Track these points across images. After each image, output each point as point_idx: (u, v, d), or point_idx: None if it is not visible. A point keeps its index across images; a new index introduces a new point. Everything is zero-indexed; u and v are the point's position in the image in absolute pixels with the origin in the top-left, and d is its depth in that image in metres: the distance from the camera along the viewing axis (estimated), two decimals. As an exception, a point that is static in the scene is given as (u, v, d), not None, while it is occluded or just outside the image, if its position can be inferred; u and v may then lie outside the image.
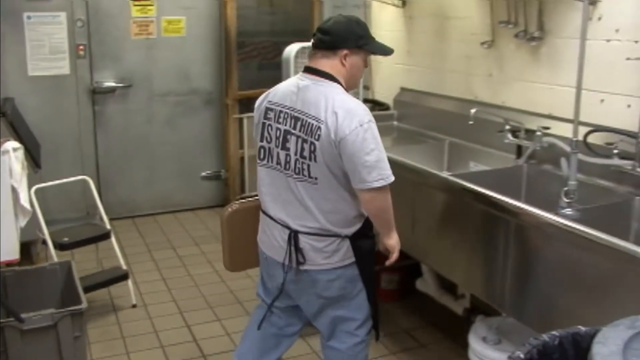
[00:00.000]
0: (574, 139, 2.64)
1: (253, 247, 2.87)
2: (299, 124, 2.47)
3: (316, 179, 2.47)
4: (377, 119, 3.82)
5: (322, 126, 2.40)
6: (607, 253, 2.18)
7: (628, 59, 2.81)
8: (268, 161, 2.60)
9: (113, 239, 4.24)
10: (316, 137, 2.41)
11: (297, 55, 4.23)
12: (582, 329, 1.85)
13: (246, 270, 4.69)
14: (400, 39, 4.60)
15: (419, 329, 3.94)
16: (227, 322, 4.03)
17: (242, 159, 5.92)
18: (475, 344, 3.06)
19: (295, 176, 2.51)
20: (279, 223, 2.61)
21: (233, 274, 4.67)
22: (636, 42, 2.86)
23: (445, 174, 3.22)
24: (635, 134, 2.80)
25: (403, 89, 4.64)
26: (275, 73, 4.56)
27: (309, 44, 4.25)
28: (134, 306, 4.20)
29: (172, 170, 6.06)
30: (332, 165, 2.44)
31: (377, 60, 4.93)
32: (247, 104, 5.74)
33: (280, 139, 2.53)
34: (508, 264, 2.68)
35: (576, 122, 2.63)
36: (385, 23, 4.79)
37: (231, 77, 5.66)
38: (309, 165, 2.46)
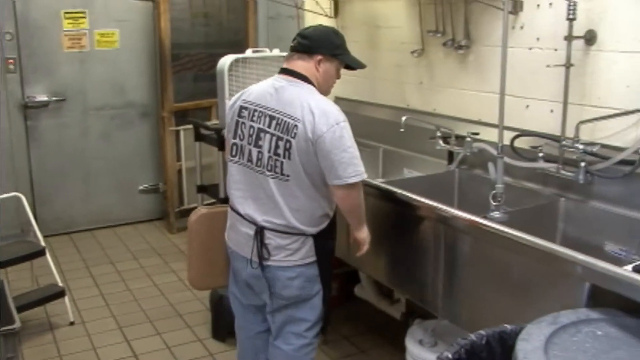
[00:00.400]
0: (500, 144, 2.73)
1: (221, 260, 2.95)
2: (274, 122, 2.56)
3: (288, 176, 2.55)
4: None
5: (299, 125, 2.49)
6: (531, 253, 2.26)
7: (548, 66, 2.91)
8: (239, 158, 2.68)
9: (48, 255, 4.17)
10: (292, 135, 2.50)
11: (231, 67, 4.25)
12: (508, 327, 1.92)
13: (186, 284, 4.71)
14: (334, 48, 4.65)
15: (359, 335, 3.98)
16: (168, 336, 4.01)
17: (179, 171, 5.89)
18: (412, 347, 3.12)
19: (267, 173, 2.59)
20: (246, 219, 2.68)
21: (172, 287, 4.68)
22: (556, 50, 2.97)
23: (378, 181, 3.28)
24: (558, 138, 2.90)
25: (338, 98, 4.69)
26: (211, 85, 4.57)
27: (244, 55, 4.35)
28: (71, 324, 4.14)
29: (109, 184, 5.99)
30: (306, 164, 2.52)
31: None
32: (183, 116, 5.74)
33: (254, 137, 2.61)
34: (440, 268, 2.74)
35: (501, 127, 2.71)
36: (318, 33, 4.84)
37: (166, 90, 5.63)
38: (282, 163, 2.54)
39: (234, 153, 2.71)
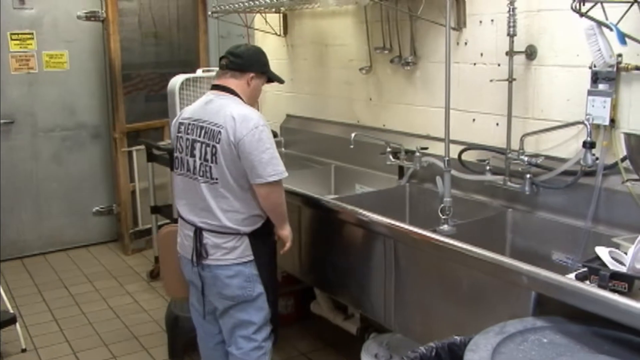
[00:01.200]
0: (446, 157, 2.78)
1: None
2: (203, 131, 2.77)
3: (216, 179, 2.74)
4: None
5: (222, 130, 2.70)
6: (479, 265, 2.30)
7: (492, 80, 2.97)
8: (181, 169, 2.88)
9: (-1, 281, 4.11)
10: (217, 140, 2.71)
11: (182, 87, 4.25)
12: (457, 338, 1.95)
13: (142, 305, 4.68)
14: (284, 66, 4.69)
15: (316, 351, 3.99)
16: (123, 359, 3.96)
17: (133, 192, 5.84)
18: (368, 361, 3.15)
19: (199, 178, 2.78)
20: (188, 223, 2.87)
21: (128, 309, 4.63)
22: (499, 65, 3.05)
23: (329, 198, 3.31)
24: (504, 150, 2.97)
25: (289, 116, 4.73)
26: (163, 104, 4.55)
27: (195, 75, 4.35)
28: (23, 351, 4.05)
29: (62, 207, 5.91)
30: (231, 166, 2.71)
31: (264, 88, 4.98)
32: (135, 137, 5.70)
33: (189, 148, 2.81)
34: (391, 282, 2.77)
35: (447, 141, 2.77)
36: (268, 52, 4.80)
37: (118, 110, 5.60)
38: (210, 167, 2.74)
39: (176, 165, 2.92)
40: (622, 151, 2.50)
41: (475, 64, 3.18)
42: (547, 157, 2.86)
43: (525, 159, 2.85)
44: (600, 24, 2.36)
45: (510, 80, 2.90)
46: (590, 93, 2.67)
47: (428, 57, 3.48)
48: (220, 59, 2.94)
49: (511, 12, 2.83)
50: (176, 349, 3.90)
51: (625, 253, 1.94)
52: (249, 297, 2.84)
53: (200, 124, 2.79)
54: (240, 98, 2.85)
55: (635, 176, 2.41)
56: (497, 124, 3.09)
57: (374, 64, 3.86)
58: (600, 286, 1.89)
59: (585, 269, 1.98)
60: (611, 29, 2.30)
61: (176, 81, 4.28)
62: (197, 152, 2.78)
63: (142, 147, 5.23)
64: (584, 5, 2.32)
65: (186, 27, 6.03)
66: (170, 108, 4.34)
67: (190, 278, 2.96)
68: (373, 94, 3.92)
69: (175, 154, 2.92)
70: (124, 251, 5.87)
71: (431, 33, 3.41)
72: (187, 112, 2.94)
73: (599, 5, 2.36)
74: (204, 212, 2.79)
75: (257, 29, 4.86)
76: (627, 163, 2.49)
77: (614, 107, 2.63)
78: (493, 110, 3.12)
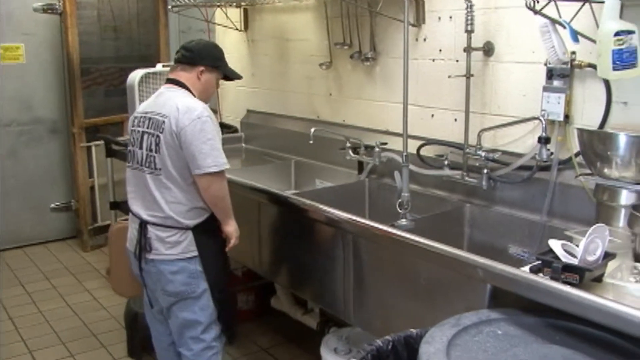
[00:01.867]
0: (404, 152, 2.79)
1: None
2: (150, 122, 2.78)
3: (160, 169, 2.75)
4: (226, 141, 3.87)
5: (166, 120, 2.71)
6: (436, 258, 2.32)
7: (450, 76, 3.00)
8: (131, 162, 2.88)
9: (-48, 279, 4.03)
10: (161, 130, 2.72)
11: (141, 81, 4.22)
12: (414, 331, 1.97)
13: (101, 303, 4.63)
14: (245, 62, 4.68)
15: (277, 346, 3.99)
16: (82, 357, 3.92)
17: (92, 188, 5.77)
18: (327, 355, 3.16)
19: (145, 169, 2.79)
20: (135, 216, 2.86)
21: (86, 306, 4.58)
22: (457, 61, 3.08)
23: (288, 193, 3.31)
24: (461, 146, 3.00)
25: (249, 111, 4.72)
26: (122, 99, 4.51)
27: (154, 69, 4.32)
28: (-23, 349, 4.01)
29: (19, 203, 5.82)
30: (174, 156, 2.72)
31: (224, 83, 4.96)
32: (94, 132, 5.63)
33: (139, 140, 2.82)
34: (350, 276, 2.79)
35: (405, 136, 2.78)
36: (229, 47, 4.85)
37: (76, 105, 5.52)
38: (154, 157, 2.75)
39: (129, 159, 2.91)
40: (576, 146, 2.55)
41: (434, 60, 3.21)
42: (504, 153, 2.91)
43: (483, 154, 2.89)
44: (553, 21, 2.40)
45: (468, 76, 2.94)
46: (545, 89, 2.72)
47: (388, 52, 3.49)
48: (176, 53, 2.97)
49: (469, 9, 2.86)
50: (135, 346, 3.87)
51: (577, 246, 1.97)
52: (192, 293, 2.82)
53: (149, 115, 2.81)
54: (190, 91, 2.85)
55: (588, 171, 2.46)
56: (456, 120, 3.12)
57: (334, 60, 3.87)
58: (552, 278, 1.92)
59: (539, 262, 2.01)
60: (564, 27, 2.33)
61: (135, 76, 4.25)
62: (144, 144, 2.79)
63: (101, 142, 5.17)
64: (538, 2, 2.35)
65: (146, 21, 5.98)
66: (130, 103, 4.31)
67: (137, 274, 2.93)
68: (333, 89, 3.93)
69: (129, 148, 2.92)
70: (82, 248, 5.81)
71: (391, 29, 3.43)
72: (142, 106, 2.96)
73: (553, 3, 2.39)
74: (150, 204, 2.79)
75: (217, 24, 4.84)
76: (580, 158, 2.54)
77: (568, 103, 2.68)
78: (451, 105, 3.15)
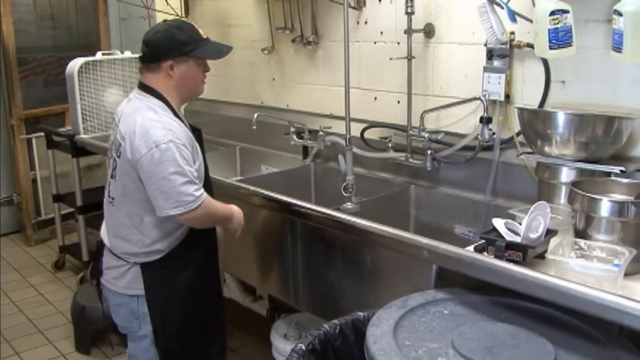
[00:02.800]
0: (347, 135, 2.79)
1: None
2: (113, 138, 2.39)
3: (113, 199, 2.39)
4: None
5: (123, 143, 2.27)
6: (381, 241, 2.32)
7: (391, 59, 3.00)
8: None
9: None
10: (118, 153, 2.31)
11: (81, 70, 4.14)
12: (361, 314, 1.98)
13: (47, 298, 4.54)
14: (186, 48, 4.61)
15: (228, 334, 3.96)
16: (27, 355, 3.83)
17: (34, 180, 5.63)
18: (277, 342, 3.15)
19: (105, 192, 2.47)
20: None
21: (31, 302, 4.48)
22: (398, 43, 3.08)
23: (234, 180, 3.28)
24: (405, 128, 3.01)
25: (193, 98, 4.66)
26: (63, 89, 4.41)
27: (94, 58, 4.23)
28: None
29: (-43, 198, 5.65)
30: (128, 187, 2.31)
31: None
32: (34, 124, 5.49)
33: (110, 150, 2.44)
34: (297, 261, 2.78)
35: (347, 120, 2.78)
36: (170, 33, 4.78)
37: (14, 96, 5.37)
38: (109, 183, 2.41)
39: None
40: (517, 126, 2.58)
41: (375, 42, 3.21)
42: (447, 133, 2.93)
43: (426, 135, 2.90)
44: (491, 2, 2.41)
45: (410, 58, 2.94)
46: (485, 70, 2.74)
47: (329, 36, 3.48)
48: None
49: (409, -9, 2.86)
50: (83, 340, 3.81)
51: (520, 224, 2.00)
52: (134, 332, 2.47)
53: (115, 129, 2.38)
54: (162, 97, 2.34)
55: (530, 149, 2.49)
56: (399, 102, 3.13)
57: (277, 44, 3.84)
58: (496, 257, 1.94)
59: (483, 241, 2.03)
60: (502, 7, 2.35)
61: (74, 65, 4.17)
62: (110, 160, 2.43)
63: (42, 133, 5.05)
64: (476, -17, 2.37)
65: (85, 9, 5.84)
66: (70, 92, 4.22)
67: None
68: (276, 74, 3.91)
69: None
70: (26, 242, 5.67)
71: (332, 12, 3.41)
72: (118, 108, 2.49)
73: (491, -17, 2.41)
74: (107, 223, 2.48)
75: (158, 10, 4.75)
76: (522, 137, 2.57)
77: (509, 83, 2.71)
78: (394, 88, 3.16)
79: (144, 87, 2.37)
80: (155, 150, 2.19)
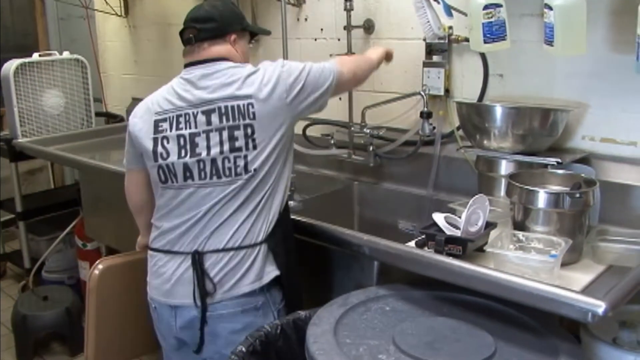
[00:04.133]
0: (290, 134, 2.77)
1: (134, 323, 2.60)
2: (215, 115, 2.03)
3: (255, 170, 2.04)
4: (112, 131, 3.71)
5: (254, 101, 2.01)
6: (323, 238, 2.30)
7: (331, 55, 2.99)
8: (172, 181, 2.09)
9: None
10: (252, 116, 2.01)
11: (17, 72, 4.04)
12: (302, 313, 1.96)
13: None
14: (127, 49, 4.54)
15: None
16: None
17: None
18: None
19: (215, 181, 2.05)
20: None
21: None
22: (339, 39, 3.08)
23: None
24: (347, 124, 3.00)
25: (135, 99, 4.57)
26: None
27: (30, 59, 4.12)
28: None
29: None
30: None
31: (106, 72, 4.82)
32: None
33: (187, 147, 2.06)
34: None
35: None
36: (110, 34, 4.70)
37: (-53, 100, 5.21)
38: (246, 156, 2.03)
39: (163, 178, 2.10)
40: (457, 120, 2.59)
41: (316, 39, 3.20)
42: (389, 129, 2.93)
43: (368, 131, 2.90)
44: (428, -4, 2.42)
45: (350, 54, 2.93)
46: (425, 65, 2.75)
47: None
48: (182, 32, 2.24)
49: (347, -13, 2.85)
50: (25, 350, 3.71)
51: (460, 217, 2.00)
52: None
53: (204, 107, 2.05)
54: None
55: (469, 143, 2.51)
56: (340, 98, 3.11)
57: (217, 43, 3.79)
58: (436, 251, 1.94)
59: (423, 236, 2.03)
60: (438, 2, 2.36)
61: (9, 66, 4.06)
62: (207, 147, 2.05)
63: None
64: (411, -22, 2.37)
65: (21, 9, 5.69)
66: (6, 95, 4.11)
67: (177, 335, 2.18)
68: (218, 73, 3.86)
69: (157, 163, 2.10)
70: (-36, 251, 5.51)
71: (272, 9, 3.38)
72: (157, 104, 2.17)
73: (427, -22, 2.42)
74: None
75: (97, 10, 4.66)
76: (462, 131, 2.59)
77: (448, 77, 2.73)
78: (336, 84, 3.14)
79: (210, 61, 2.13)
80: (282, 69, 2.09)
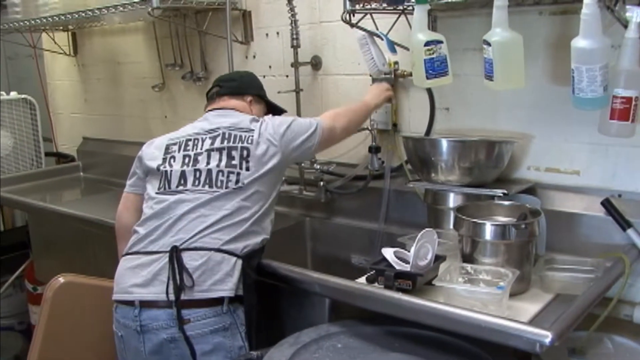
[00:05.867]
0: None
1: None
2: (218, 139, 2.25)
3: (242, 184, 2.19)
4: (62, 172, 3.64)
5: (254, 133, 2.26)
6: (272, 277, 2.28)
7: (279, 92, 3.01)
8: (165, 186, 2.23)
9: None
10: (250, 141, 2.23)
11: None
12: (254, 353, 1.96)
13: None
14: (76, 87, 4.50)
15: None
16: None
17: None
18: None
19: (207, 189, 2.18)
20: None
21: None
22: (287, 76, 3.10)
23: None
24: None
25: (85, 139, 4.54)
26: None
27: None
28: None
29: None
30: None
31: (56, 111, 4.78)
32: None
33: (189, 162, 2.24)
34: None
35: (239, 156, 2.76)
36: (59, 73, 4.66)
37: None
38: (238, 174, 2.19)
39: (160, 185, 2.24)
40: (405, 154, 2.62)
41: (264, 76, 3.21)
42: (339, 164, 2.95)
43: (318, 167, 2.91)
44: (371, 34, 2.45)
45: (298, 90, 2.95)
46: (373, 100, 2.77)
47: (219, 71, 3.45)
48: (208, 92, 2.54)
49: (293, 25, 2.88)
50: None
51: (409, 252, 2.01)
52: None
53: (212, 134, 2.28)
54: None
55: (417, 176, 2.53)
56: (291, 135, 3.13)
57: (167, 81, 3.79)
58: (386, 286, 1.94)
59: (373, 271, 2.03)
60: (382, 39, 2.39)
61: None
62: (207, 162, 2.23)
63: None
64: (354, 16, 2.40)
65: (-32, 49, 5.61)
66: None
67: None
68: (168, 112, 3.85)
69: (160, 169, 2.27)
70: None
71: (220, 48, 3.40)
72: (175, 133, 2.38)
73: (369, 16, 2.45)
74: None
75: (45, 49, 4.62)
76: (410, 165, 2.61)
77: (395, 112, 2.76)
78: (285, 121, 3.16)
79: (227, 109, 2.43)
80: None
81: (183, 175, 2.22)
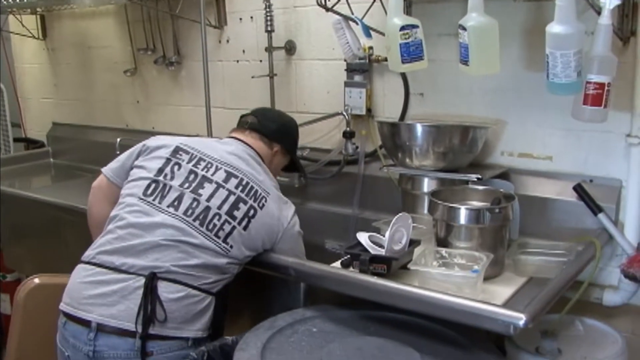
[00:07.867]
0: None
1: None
2: (234, 180, 2.09)
3: (231, 247, 2.03)
4: (32, 157, 3.58)
5: (269, 198, 2.12)
6: (250, 261, 2.28)
7: (253, 77, 2.99)
8: (156, 199, 2.04)
9: None
10: (260, 205, 2.10)
11: None
12: (229, 338, 1.94)
13: None
14: (45, 72, 4.44)
15: None
16: None
17: None
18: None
19: (200, 229, 2.00)
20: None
21: None
22: (261, 61, 3.08)
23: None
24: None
25: (55, 124, 4.48)
26: None
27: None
28: None
29: None
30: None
31: (24, 96, 4.70)
32: None
33: (194, 183, 2.06)
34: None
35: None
36: (27, 57, 4.59)
37: None
38: (234, 228, 2.03)
39: (149, 192, 2.05)
40: (380, 139, 2.62)
41: (238, 61, 3.19)
42: (313, 149, 2.94)
43: (292, 152, 2.90)
44: (346, 18, 2.44)
45: (272, 75, 2.94)
46: (347, 85, 2.78)
47: (192, 56, 3.44)
48: (243, 115, 2.41)
49: (267, 9, 2.86)
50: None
51: (384, 236, 2.02)
52: None
53: (229, 169, 2.11)
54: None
55: (392, 161, 2.54)
56: (264, 118, 3.13)
57: (139, 66, 3.75)
58: (361, 270, 1.94)
59: (348, 256, 2.04)
60: (357, 23, 2.39)
61: None
62: (207, 194, 2.04)
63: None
64: (329, 0, 2.39)
65: None
66: None
67: None
68: (140, 96, 3.82)
69: (153, 177, 2.09)
70: None
71: (193, 32, 3.37)
72: (189, 142, 2.21)
73: (345, 0, 2.44)
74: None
75: (12, 32, 4.54)
76: (384, 150, 2.61)
77: (370, 97, 2.76)
78: (258, 105, 3.13)
79: (251, 147, 2.27)
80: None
81: (180, 198, 2.02)
